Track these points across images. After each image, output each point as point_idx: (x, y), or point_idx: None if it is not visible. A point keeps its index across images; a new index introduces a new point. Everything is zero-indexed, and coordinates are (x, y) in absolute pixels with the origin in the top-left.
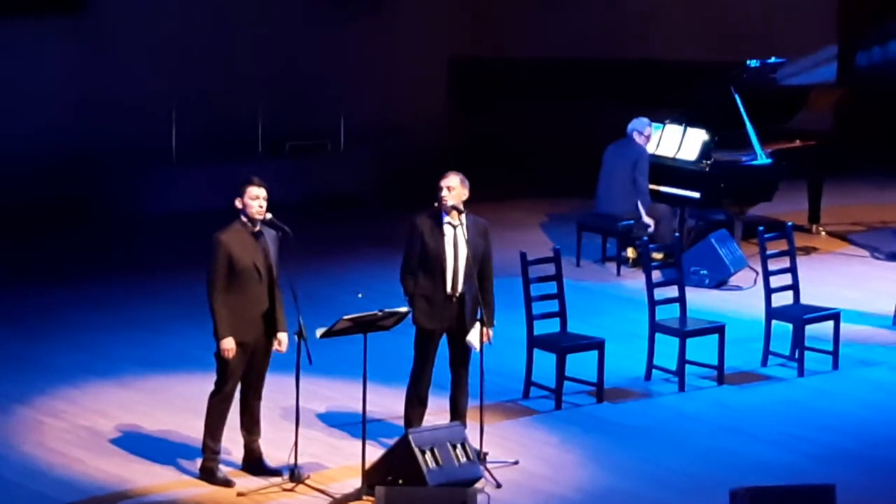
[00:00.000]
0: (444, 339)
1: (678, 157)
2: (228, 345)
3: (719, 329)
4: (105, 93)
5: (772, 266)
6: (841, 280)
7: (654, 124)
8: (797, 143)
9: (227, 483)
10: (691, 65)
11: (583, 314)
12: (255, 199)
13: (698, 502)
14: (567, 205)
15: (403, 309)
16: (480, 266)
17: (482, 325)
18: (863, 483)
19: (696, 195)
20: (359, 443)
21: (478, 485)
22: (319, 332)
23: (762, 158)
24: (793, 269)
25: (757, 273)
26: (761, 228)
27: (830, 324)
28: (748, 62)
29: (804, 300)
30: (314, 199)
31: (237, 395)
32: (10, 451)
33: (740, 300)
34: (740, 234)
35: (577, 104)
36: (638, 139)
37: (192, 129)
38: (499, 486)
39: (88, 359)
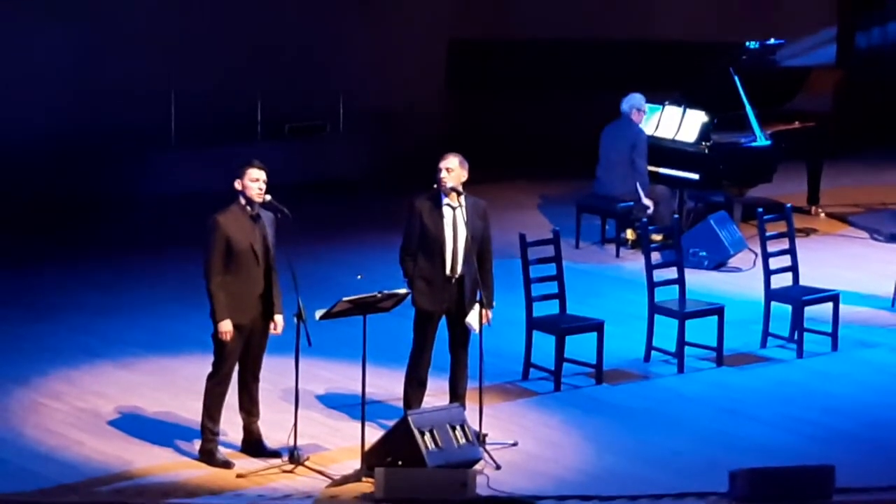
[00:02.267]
0: (443, 321)
1: (677, 138)
2: (226, 327)
3: (718, 310)
4: (104, 75)
5: (771, 248)
6: (840, 261)
7: (652, 106)
8: (796, 124)
9: (227, 464)
10: (691, 46)
11: (582, 296)
12: (255, 182)
13: (698, 483)
14: (566, 186)
15: (403, 291)
16: (479, 247)
17: (481, 306)
18: (862, 464)
19: (696, 177)
20: (358, 424)
21: (477, 466)
22: (319, 313)
23: (761, 140)
24: (792, 251)
25: (756, 255)
26: (760, 210)
27: (829, 305)
28: (747, 43)
29: (803, 282)
30: (313, 181)
31: (235, 376)
32: (9, 433)
33: (739, 282)
34: (739, 215)
35: (577, 86)
36: (636, 117)
37: (191, 112)
38: (498, 467)
39: (88, 341)
